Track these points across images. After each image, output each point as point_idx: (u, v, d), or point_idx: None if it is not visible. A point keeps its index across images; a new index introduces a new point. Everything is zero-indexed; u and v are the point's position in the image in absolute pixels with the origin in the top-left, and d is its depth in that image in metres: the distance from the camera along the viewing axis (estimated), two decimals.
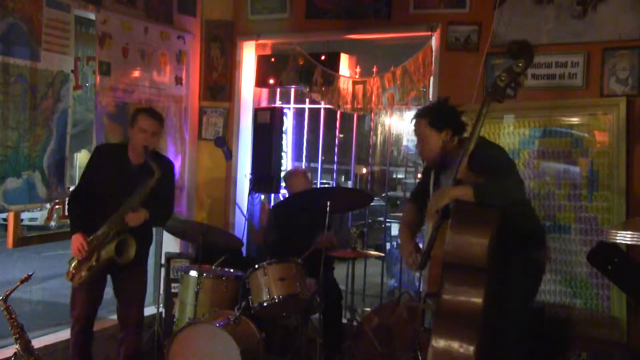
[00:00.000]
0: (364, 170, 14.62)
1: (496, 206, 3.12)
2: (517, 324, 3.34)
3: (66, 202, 4.10)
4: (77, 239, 3.88)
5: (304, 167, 6.05)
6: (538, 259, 3.46)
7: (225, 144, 5.74)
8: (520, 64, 3.23)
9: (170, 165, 4.24)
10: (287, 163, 6.01)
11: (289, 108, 5.94)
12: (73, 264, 3.92)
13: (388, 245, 7.83)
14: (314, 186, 5.44)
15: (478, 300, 3.02)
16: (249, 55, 5.76)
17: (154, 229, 4.41)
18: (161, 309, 5.09)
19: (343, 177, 13.52)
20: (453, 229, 3.09)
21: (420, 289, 5.09)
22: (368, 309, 4.82)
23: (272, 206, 5.65)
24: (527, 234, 3.38)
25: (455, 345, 2.97)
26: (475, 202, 3.11)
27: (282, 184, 5.68)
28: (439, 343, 3.00)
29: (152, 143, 3.99)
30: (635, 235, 2.95)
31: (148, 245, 4.27)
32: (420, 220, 3.71)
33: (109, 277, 4.12)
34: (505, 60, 4.64)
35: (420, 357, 3.82)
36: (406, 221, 3.77)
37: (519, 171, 3.47)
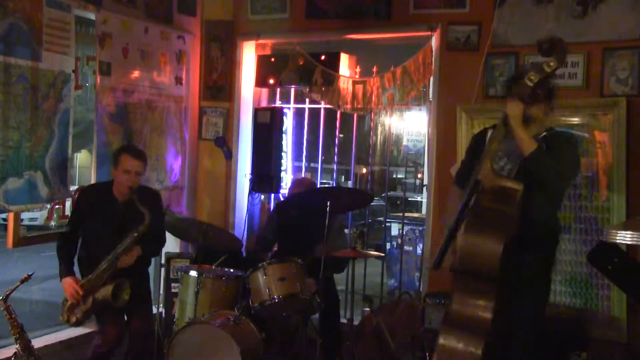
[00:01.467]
0: (364, 170, 14.61)
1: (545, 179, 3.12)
2: (533, 327, 3.29)
3: (56, 246, 4.11)
4: (70, 285, 3.91)
5: (303, 167, 6.06)
6: (550, 262, 3.42)
7: (225, 144, 5.74)
8: (551, 63, 3.06)
9: (156, 196, 4.28)
10: (287, 163, 6.01)
11: (289, 108, 5.94)
12: (67, 306, 3.95)
13: (388, 245, 7.83)
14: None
15: (488, 309, 2.98)
16: (249, 55, 5.76)
17: None
18: (161, 309, 5.09)
19: (343, 177, 13.53)
20: (466, 233, 3.03)
21: (420, 289, 5.10)
22: (368, 309, 4.81)
23: (273, 206, 5.65)
24: (551, 234, 3.36)
25: (461, 347, 2.95)
26: (529, 153, 3.09)
27: (282, 184, 5.69)
28: (446, 346, 2.99)
29: (136, 183, 4.01)
30: (635, 235, 2.94)
31: (148, 281, 4.31)
32: None
33: None
34: (506, 60, 4.68)
35: (428, 357, 3.83)
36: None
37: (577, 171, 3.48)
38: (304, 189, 4.84)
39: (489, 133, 3.39)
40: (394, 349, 4.18)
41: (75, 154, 5.08)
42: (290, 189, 5.06)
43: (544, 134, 3.29)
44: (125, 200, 4.01)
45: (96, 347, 4.00)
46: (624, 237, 2.98)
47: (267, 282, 4.04)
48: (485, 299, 2.99)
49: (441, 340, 2.99)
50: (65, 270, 3.98)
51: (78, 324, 3.99)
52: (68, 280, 3.93)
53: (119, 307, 3.90)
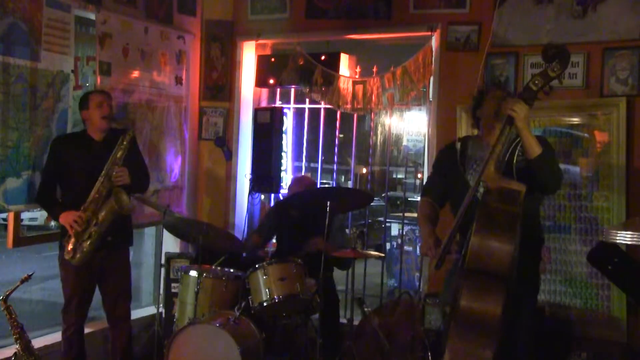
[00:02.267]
0: (364, 170, 14.60)
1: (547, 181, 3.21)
2: (530, 325, 3.33)
3: (36, 199, 4.11)
4: (69, 214, 3.88)
5: (303, 167, 6.05)
6: (539, 257, 3.46)
7: (225, 144, 5.74)
8: (556, 69, 3.15)
9: (131, 131, 4.22)
10: (287, 163, 6.01)
11: (289, 108, 5.94)
12: (71, 242, 3.90)
13: (388, 245, 7.83)
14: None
15: (497, 307, 2.99)
16: (249, 55, 5.76)
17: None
18: (161, 309, 5.09)
19: (343, 177, 13.52)
20: (477, 233, 3.05)
21: (420, 289, 5.10)
22: (368, 309, 4.81)
23: (272, 205, 5.65)
24: (539, 235, 3.41)
25: (472, 349, 2.95)
26: (536, 156, 3.13)
27: (282, 184, 5.69)
28: (457, 347, 2.98)
29: (109, 113, 4.07)
30: (635, 235, 2.94)
31: (129, 218, 4.26)
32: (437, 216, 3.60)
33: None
34: (506, 60, 4.68)
35: (430, 357, 3.82)
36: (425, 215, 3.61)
37: None
38: (303, 187, 4.84)
39: (458, 146, 3.48)
40: (389, 349, 4.18)
41: None
42: (290, 187, 5.06)
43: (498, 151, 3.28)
44: (102, 139, 4.06)
45: (64, 332, 4.09)
46: (624, 237, 2.99)
47: (267, 282, 4.04)
48: (495, 295, 3.01)
49: (451, 341, 2.99)
50: (57, 210, 3.97)
51: (86, 255, 3.90)
52: (64, 213, 3.90)
53: (127, 213, 4.01)
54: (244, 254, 5.01)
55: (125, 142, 3.99)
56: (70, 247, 3.90)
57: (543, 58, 3.20)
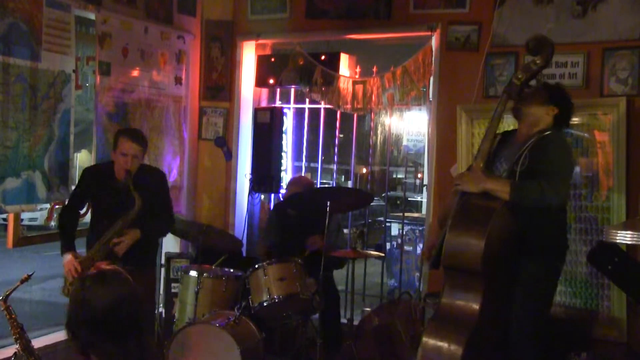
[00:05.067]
0: (364, 170, 14.62)
1: (527, 206, 3.09)
2: (530, 328, 3.25)
3: (55, 218, 4.13)
4: (70, 261, 3.91)
5: (303, 167, 6.05)
6: (557, 267, 3.41)
7: (225, 144, 5.74)
8: (537, 61, 3.13)
9: (158, 175, 4.25)
10: (287, 163, 6.01)
11: (289, 108, 5.94)
12: (68, 281, 3.93)
13: (388, 245, 7.83)
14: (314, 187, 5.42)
15: (475, 305, 3.00)
16: (249, 55, 5.76)
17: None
18: (161, 309, 5.09)
19: (343, 177, 13.53)
20: (451, 230, 3.07)
21: (420, 289, 5.10)
22: (368, 309, 4.82)
23: (272, 206, 5.65)
24: (551, 242, 3.32)
25: (444, 346, 2.96)
26: (508, 199, 3.07)
27: (282, 184, 5.69)
28: (428, 343, 3.00)
29: (133, 166, 3.96)
30: (635, 235, 2.95)
31: (154, 250, 4.27)
32: None
33: None
34: (506, 60, 4.67)
35: None
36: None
37: (572, 177, 3.42)
38: (301, 187, 4.84)
39: (496, 141, 3.41)
40: (407, 346, 4.17)
41: (75, 154, 5.08)
42: (287, 188, 5.06)
43: (533, 139, 3.26)
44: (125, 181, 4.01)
45: None
46: (624, 237, 2.99)
47: (267, 282, 4.04)
48: (473, 291, 3.02)
49: (424, 338, 3.01)
50: (66, 245, 3.98)
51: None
52: (67, 256, 3.93)
53: None
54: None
55: (130, 215, 3.87)
56: (67, 285, 3.92)
57: (527, 52, 3.20)
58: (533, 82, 3.33)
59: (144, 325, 2.28)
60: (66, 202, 4.16)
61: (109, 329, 2.16)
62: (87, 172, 4.19)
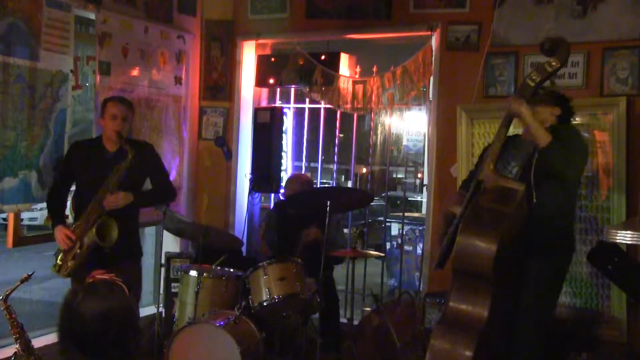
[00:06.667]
0: (364, 170, 14.62)
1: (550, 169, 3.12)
2: (534, 325, 3.27)
3: (45, 200, 4.09)
4: (60, 230, 3.87)
5: (303, 167, 6.05)
6: (565, 267, 3.42)
7: (225, 143, 5.74)
8: (553, 63, 3.07)
9: (148, 146, 4.20)
10: (287, 163, 6.01)
11: (289, 108, 5.94)
12: (60, 256, 3.90)
13: (388, 245, 7.83)
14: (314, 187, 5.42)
15: (483, 309, 2.98)
16: (249, 55, 5.76)
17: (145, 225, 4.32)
18: (161, 309, 5.08)
19: (343, 177, 13.53)
20: (462, 233, 3.04)
21: (420, 289, 5.10)
22: (368, 309, 4.81)
23: (272, 206, 5.65)
24: (561, 241, 3.34)
25: (453, 350, 2.95)
26: (543, 145, 3.08)
27: (282, 184, 5.69)
28: (437, 347, 2.99)
29: (124, 128, 3.93)
30: (635, 235, 2.95)
31: (135, 232, 4.18)
32: None
33: None
34: (506, 60, 4.68)
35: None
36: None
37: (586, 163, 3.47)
38: (300, 185, 4.85)
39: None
40: (400, 347, 4.18)
41: None
42: (285, 186, 5.06)
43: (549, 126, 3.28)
44: (115, 150, 3.95)
45: None
46: (624, 237, 2.99)
47: (267, 282, 4.04)
48: (481, 295, 3.00)
49: (433, 341, 3.00)
50: (56, 220, 3.95)
51: (69, 273, 3.86)
52: (59, 227, 3.89)
53: (108, 248, 3.81)
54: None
55: (122, 166, 3.84)
56: (59, 260, 3.90)
57: (542, 53, 3.16)
58: (547, 83, 3.33)
59: (132, 334, 2.22)
60: (53, 182, 4.10)
61: (99, 343, 2.10)
62: (73, 146, 4.15)
